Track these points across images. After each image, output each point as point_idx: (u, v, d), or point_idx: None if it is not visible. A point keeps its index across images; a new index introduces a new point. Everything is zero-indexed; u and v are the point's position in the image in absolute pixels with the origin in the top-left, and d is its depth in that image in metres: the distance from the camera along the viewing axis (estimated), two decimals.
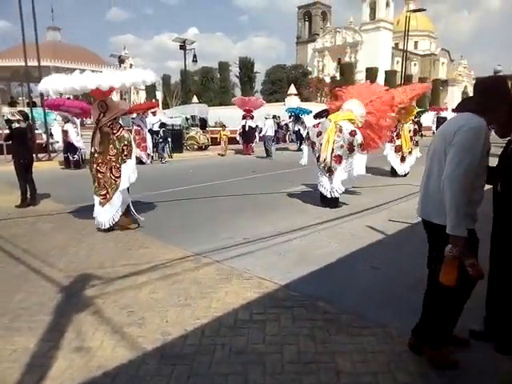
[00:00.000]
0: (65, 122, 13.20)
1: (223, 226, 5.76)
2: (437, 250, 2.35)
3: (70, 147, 13.04)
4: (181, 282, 3.80)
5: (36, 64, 15.02)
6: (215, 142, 20.09)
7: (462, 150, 2.15)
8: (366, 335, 2.83)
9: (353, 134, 6.66)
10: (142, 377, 2.41)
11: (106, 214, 5.54)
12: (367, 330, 2.91)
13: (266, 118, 17.33)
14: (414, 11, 34.01)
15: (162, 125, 15.44)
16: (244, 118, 17.96)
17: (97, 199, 5.64)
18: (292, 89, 28.94)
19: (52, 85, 5.38)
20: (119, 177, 5.52)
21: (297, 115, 19.97)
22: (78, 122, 13.33)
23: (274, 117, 20.24)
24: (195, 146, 19.42)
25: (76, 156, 13.14)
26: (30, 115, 12.91)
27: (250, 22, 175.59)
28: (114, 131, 5.52)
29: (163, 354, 2.64)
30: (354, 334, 2.85)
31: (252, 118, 18.02)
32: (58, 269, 4.13)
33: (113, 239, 5.21)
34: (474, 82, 23.99)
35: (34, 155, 8.36)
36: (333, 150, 6.65)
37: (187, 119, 20.94)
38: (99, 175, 5.59)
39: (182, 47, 22.91)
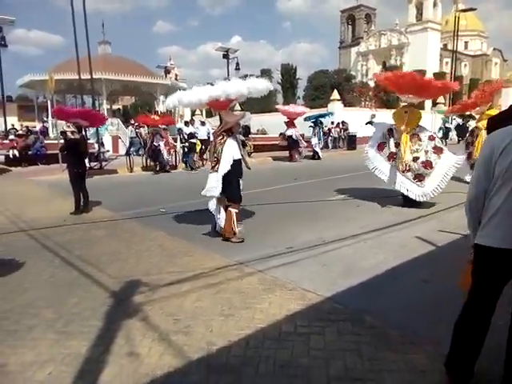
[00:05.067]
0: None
1: (266, 235, 5.76)
2: None
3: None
4: (224, 291, 3.83)
5: (89, 77, 15.88)
6: (259, 149, 20.22)
7: None
8: (417, 353, 2.70)
9: (431, 138, 7.37)
10: None
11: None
12: (417, 347, 2.78)
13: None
14: (464, 11, 32.71)
15: (191, 135, 15.59)
16: (287, 125, 17.97)
17: None
18: (335, 94, 28.54)
19: (179, 99, 5.57)
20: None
21: (316, 121, 19.79)
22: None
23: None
24: None
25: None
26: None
27: (293, 29, 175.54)
28: (218, 141, 5.53)
29: (209, 363, 2.66)
30: (404, 351, 2.74)
31: (294, 125, 18.01)
32: (108, 275, 4.30)
33: (159, 247, 5.35)
34: None
35: (86, 165, 8.80)
36: (418, 157, 7.24)
37: None
38: None
39: (225, 56, 23.34)
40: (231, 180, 5.42)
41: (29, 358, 2.75)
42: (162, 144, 14.18)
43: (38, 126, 26.09)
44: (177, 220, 6.91)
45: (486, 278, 2.20)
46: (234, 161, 5.39)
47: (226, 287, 3.92)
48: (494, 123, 2.27)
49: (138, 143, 16.81)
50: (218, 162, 5.42)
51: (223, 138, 5.47)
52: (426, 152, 7.28)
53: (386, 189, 8.29)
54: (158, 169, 14.41)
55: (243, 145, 5.78)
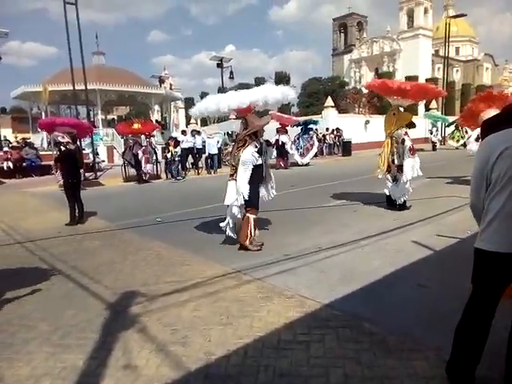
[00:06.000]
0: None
1: (263, 242, 5.73)
2: None
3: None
4: (222, 299, 3.80)
5: (83, 87, 15.90)
6: None
7: None
8: (417, 359, 2.68)
9: (402, 141, 7.45)
10: None
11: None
12: (418, 353, 2.76)
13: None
14: (454, 17, 33.12)
15: (177, 143, 15.29)
16: (278, 132, 17.92)
17: None
18: (329, 101, 28.69)
19: (204, 107, 5.51)
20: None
21: (306, 127, 19.82)
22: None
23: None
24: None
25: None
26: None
27: (286, 37, 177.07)
28: (239, 146, 5.45)
29: (207, 374, 2.63)
30: (404, 357, 2.72)
31: (286, 132, 18.02)
32: (105, 286, 4.26)
33: (156, 256, 5.32)
34: None
35: (81, 175, 8.77)
36: (393, 160, 7.49)
37: (229, 135, 21.23)
38: None
39: (219, 65, 23.47)
40: (251, 187, 5.29)
41: (25, 372, 2.71)
42: (140, 153, 13.82)
43: (32, 137, 25.98)
44: (173, 229, 6.88)
45: (486, 282, 2.19)
46: (254, 166, 5.30)
47: (224, 296, 3.89)
48: (489, 127, 2.28)
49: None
50: (236, 170, 5.37)
51: (245, 143, 5.36)
52: (399, 156, 7.53)
53: (382, 193, 8.32)
54: (139, 179, 14.12)
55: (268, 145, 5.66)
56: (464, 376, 2.32)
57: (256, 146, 5.34)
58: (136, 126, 14.58)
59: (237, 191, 5.31)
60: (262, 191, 5.73)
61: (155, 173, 15.10)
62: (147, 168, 14.03)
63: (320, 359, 2.74)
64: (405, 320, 3.27)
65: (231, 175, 5.47)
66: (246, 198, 5.25)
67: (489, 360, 2.36)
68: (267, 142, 6.20)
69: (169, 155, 14.90)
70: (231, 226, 5.55)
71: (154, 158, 15.00)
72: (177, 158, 15.04)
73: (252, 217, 5.37)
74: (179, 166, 15.13)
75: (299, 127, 19.71)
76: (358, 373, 2.58)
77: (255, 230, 5.43)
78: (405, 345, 2.87)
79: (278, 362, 2.73)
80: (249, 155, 5.26)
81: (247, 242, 5.34)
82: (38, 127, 15.93)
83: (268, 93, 5.27)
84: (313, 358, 2.75)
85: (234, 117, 6.30)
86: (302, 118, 22.89)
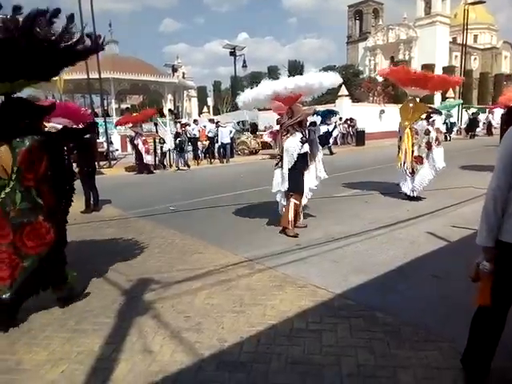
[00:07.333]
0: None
1: (275, 232, 5.74)
2: None
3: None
4: (235, 288, 3.83)
5: (97, 76, 15.97)
6: (266, 146, 20.14)
7: None
8: (431, 350, 2.67)
9: (427, 132, 7.40)
10: (200, 383, 2.44)
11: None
12: (431, 344, 2.75)
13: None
14: (473, 4, 32.10)
15: (177, 134, 15.00)
16: (278, 122, 17.61)
17: None
18: (343, 90, 28.28)
19: (256, 92, 5.53)
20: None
21: (324, 116, 19.57)
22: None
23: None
24: (246, 151, 19.64)
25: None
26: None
27: (300, 24, 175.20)
28: (283, 135, 5.61)
29: (220, 360, 2.66)
30: (417, 347, 2.71)
31: None
32: (119, 273, 4.32)
33: (170, 244, 5.37)
34: None
35: (96, 163, 8.86)
36: (412, 152, 7.39)
37: (243, 123, 21.15)
38: None
39: (232, 53, 23.34)
40: (295, 173, 5.49)
41: (42, 357, 2.77)
42: (140, 143, 13.64)
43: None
44: (186, 218, 6.93)
45: (504, 274, 2.15)
46: (299, 155, 5.43)
47: (237, 284, 3.92)
48: None
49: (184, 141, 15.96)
50: (281, 158, 5.55)
51: (288, 132, 5.52)
52: (420, 146, 7.46)
53: (395, 183, 8.24)
54: (140, 170, 13.97)
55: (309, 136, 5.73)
56: (479, 367, 2.30)
57: (301, 135, 5.48)
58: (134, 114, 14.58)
59: (282, 178, 5.53)
60: (308, 178, 5.85)
61: (158, 163, 14.91)
62: (147, 159, 13.88)
63: (332, 348, 2.75)
64: (419, 311, 3.25)
65: (276, 164, 5.70)
66: (287, 185, 5.48)
67: (505, 351, 2.34)
68: (312, 123, 6.52)
69: (165, 147, 14.85)
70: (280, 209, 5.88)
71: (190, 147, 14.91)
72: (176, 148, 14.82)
73: (294, 202, 5.56)
74: (185, 156, 15.02)
75: (318, 116, 19.37)
76: (371, 362, 2.58)
77: (297, 215, 5.66)
78: (418, 335, 2.86)
79: (290, 350, 2.74)
80: (293, 144, 5.40)
81: (289, 226, 5.53)
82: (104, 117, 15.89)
83: (322, 78, 5.36)
84: (325, 347, 2.76)
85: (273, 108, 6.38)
86: (321, 107, 22.57)
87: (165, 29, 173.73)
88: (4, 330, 3.13)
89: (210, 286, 3.88)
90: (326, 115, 19.55)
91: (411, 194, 7.56)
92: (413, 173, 7.49)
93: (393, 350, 2.70)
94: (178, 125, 16.21)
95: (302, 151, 5.47)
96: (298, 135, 5.45)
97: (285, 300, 3.52)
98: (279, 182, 5.59)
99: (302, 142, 5.44)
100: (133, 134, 13.95)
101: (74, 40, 2.95)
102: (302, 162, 5.56)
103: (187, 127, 15.71)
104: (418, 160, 7.45)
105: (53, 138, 3.59)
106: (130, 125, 14.55)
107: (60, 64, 3.35)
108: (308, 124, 6.04)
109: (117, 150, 16.79)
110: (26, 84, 3.43)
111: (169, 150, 15.21)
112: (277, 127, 17.39)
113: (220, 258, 4.68)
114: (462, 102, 27.13)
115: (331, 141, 19.29)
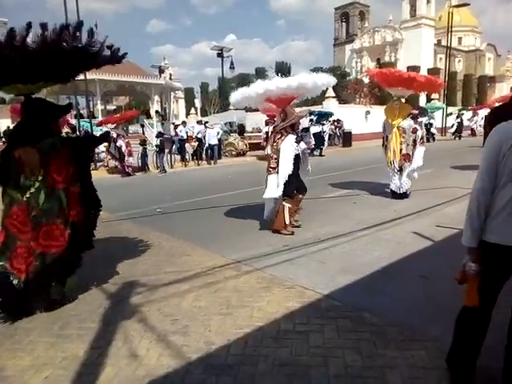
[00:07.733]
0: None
1: (262, 233, 5.74)
2: None
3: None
4: (222, 290, 3.81)
5: (82, 77, 15.76)
6: (254, 147, 20.14)
7: None
8: (416, 349, 2.70)
9: (414, 130, 7.60)
10: None
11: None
12: (417, 343, 2.77)
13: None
14: (457, 6, 32.77)
15: (160, 134, 14.84)
16: (267, 124, 17.51)
17: None
18: (330, 91, 28.47)
19: (249, 92, 5.58)
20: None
21: (320, 117, 19.69)
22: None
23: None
24: (233, 153, 19.60)
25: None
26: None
27: (287, 27, 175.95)
28: (277, 137, 5.59)
29: (207, 363, 2.64)
30: (403, 347, 2.73)
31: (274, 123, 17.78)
32: (106, 276, 4.26)
33: (157, 246, 5.32)
34: None
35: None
36: (401, 150, 7.60)
37: (230, 124, 21.10)
38: None
39: (220, 55, 23.32)
40: (289, 177, 5.48)
41: (26, 362, 2.72)
42: (123, 145, 13.55)
43: None
44: (173, 220, 6.88)
45: (492, 275, 2.17)
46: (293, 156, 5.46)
47: (224, 286, 3.90)
48: (500, 115, 2.22)
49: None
50: (277, 162, 5.51)
51: (282, 135, 5.52)
52: (408, 145, 7.66)
53: (382, 183, 8.33)
54: (122, 172, 13.87)
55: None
56: (465, 366, 2.33)
57: (296, 137, 5.51)
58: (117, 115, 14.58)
59: (277, 184, 5.48)
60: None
61: (141, 165, 14.76)
62: (130, 161, 13.77)
63: (320, 349, 2.75)
64: (404, 311, 3.28)
65: (272, 168, 5.61)
66: (282, 190, 5.48)
67: (490, 351, 2.36)
68: (304, 129, 6.63)
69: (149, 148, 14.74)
70: (268, 215, 5.85)
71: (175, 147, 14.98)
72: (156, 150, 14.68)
73: (287, 205, 5.58)
74: (164, 158, 14.74)
75: (311, 116, 19.38)
76: (358, 362, 2.59)
77: (290, 217, 5.66)
78: (404, 335, 2.88)
79: (277, 351, 2.74)
80: (289, 144, 5.42)
81: (285, 230, 5.60)
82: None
83: (316, 78, 5.42)
84: (312, 348, 2.77)
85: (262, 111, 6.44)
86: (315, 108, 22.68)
87: (152, 30, 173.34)
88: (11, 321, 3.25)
89: (197, 289, 3.85)
90: (323, 116, 19.71)
91: (398, 191, 7.73)
92: (401, 170, 7.68)
93: (379, 350, 2.72)
94: (171, 126, 16.13)
95: (299, 150, 5.51)
96: (293, 135, 5.48)
97: (272, 301, 3.52)
98: (274, 188, 5.52)
99: (297, 142, 5.47)
100: (114, 135, 13.79)
101: (95, 50, 3.15)
102: (295, 164, 5.54)
103: (179, 128, 15.70)
104: (406, 158, 7.63)
105: (81, 142, 3.90)
106: (112, 126, 14.41)
107: (77, 69, 3.69)
108: (300, 129, 6.07)
109: (102, 151, 16.55)
110: (44, 86, 3.67)
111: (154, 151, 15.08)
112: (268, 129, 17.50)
113: (207, 260, 4.66)
114: (445, 106, 27.61)
115: (326, 143, 19.39)
